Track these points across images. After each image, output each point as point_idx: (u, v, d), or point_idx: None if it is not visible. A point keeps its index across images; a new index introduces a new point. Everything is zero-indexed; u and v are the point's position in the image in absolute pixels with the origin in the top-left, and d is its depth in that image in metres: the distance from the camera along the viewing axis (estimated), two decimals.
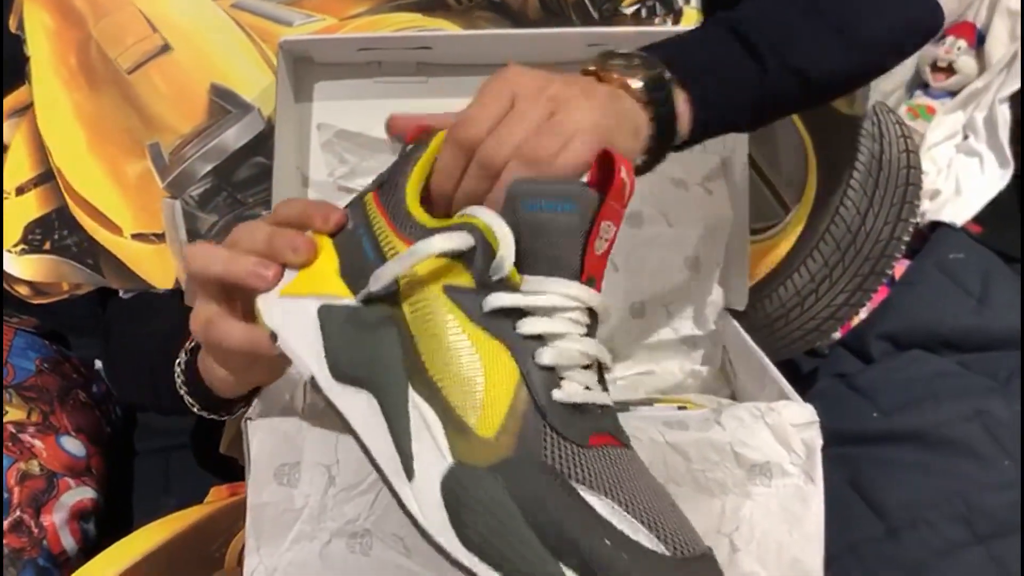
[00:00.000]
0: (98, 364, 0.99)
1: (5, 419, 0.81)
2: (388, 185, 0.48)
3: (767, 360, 0.65)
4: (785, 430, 0.53)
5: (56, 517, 0.79)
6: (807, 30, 0.60)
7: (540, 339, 0.41)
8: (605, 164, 0.44)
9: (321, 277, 0.47)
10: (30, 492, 0.78)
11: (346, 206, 0.49)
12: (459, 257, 0.42)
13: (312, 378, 0.45)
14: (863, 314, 1.02)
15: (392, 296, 0.43)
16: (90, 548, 0.80)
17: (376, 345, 0.43)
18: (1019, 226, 1.08)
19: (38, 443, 0.81)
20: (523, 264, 0.42)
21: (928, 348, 0.98)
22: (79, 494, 0.82)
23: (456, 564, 0.38)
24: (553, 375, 0.41)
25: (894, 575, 0.81)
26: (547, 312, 0.41)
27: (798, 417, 0.54)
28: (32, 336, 0.92)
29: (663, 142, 0.53)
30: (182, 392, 0.60)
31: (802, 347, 0.86)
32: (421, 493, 0.40)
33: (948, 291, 1.02)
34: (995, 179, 1.11)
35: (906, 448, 0.87)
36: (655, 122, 0.52)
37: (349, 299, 0.45)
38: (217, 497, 0.76)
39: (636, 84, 0.51)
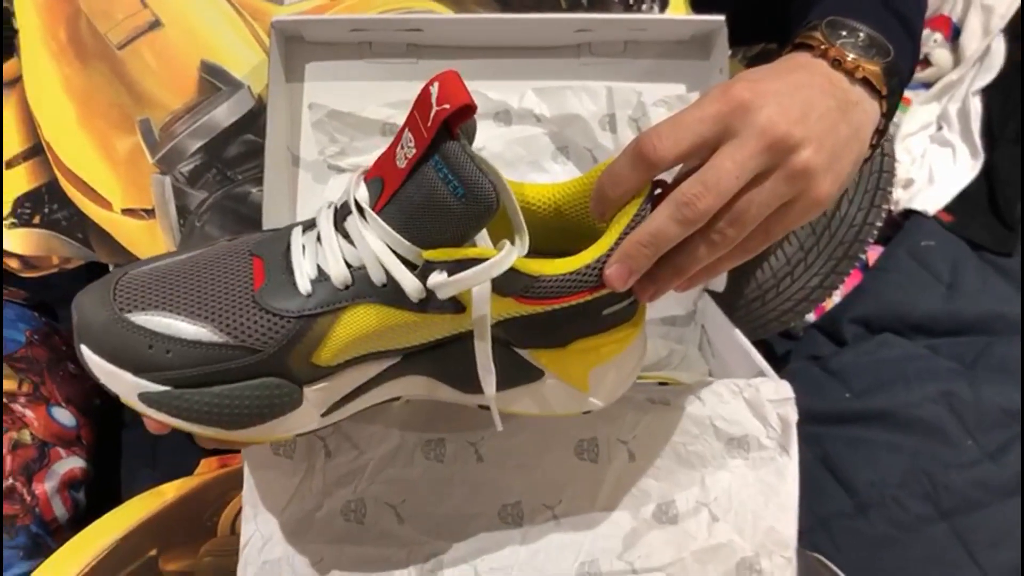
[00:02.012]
0: None
1: None
2: None
3: (745, 339, 0.67)
4: (762, 405, 0.56)
5: (47, 485, 0.80)
6: (916, 4, 0.55)
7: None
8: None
9: None
10: (22, 460, 0.79)
11: None
12: None
13: None
14: (837, 298, 1.05)
15: None
16: (80, 516, 0.81)
17: None
18: (988, 215, 1.11)
19: (29, 413, 0.82)
20: None
21: (898, 332, 1.00)
22: (69, 463, 0.83)
23: None
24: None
25: (862, 549, 0.83)
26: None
27: (774, 393, 0.56)
28: (21, 308, 0.92)
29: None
30: None
31: (777, 327, 0.89)
32: None
33: (919, 277, 1.05)
34: (966, 169, 1.14)
35: (875, 428, 0.90)
36: (886, 117, 0.47)
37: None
38: (207, 468, 0.77)
39: (876, 74, 0.45)
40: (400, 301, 0.42)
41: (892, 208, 1.13)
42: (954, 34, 1.21)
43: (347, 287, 0.42)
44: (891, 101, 0.47)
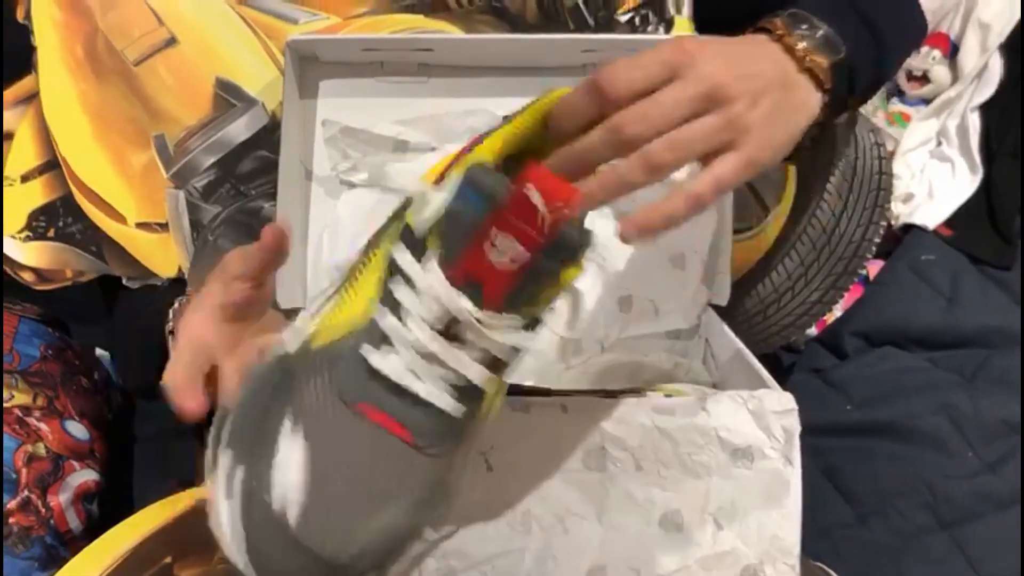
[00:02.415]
0: (99, 351, 1.01)
1: (12, 403, 0.83)
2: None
3: (748, 352, 0.68)
4: (766, 416, 0.57)
5: (62, 497, 0.81)
6: (899, 21, 0.58)
7: (396, 304, 0.42)
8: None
9: None
10: (37, 473, 0.80)
11: None
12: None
13: None
14: (838, 312, 1.07)
15: None
16: (94, 528, 0.82)
17: None
18: (987, 229, 1.12)
19: (44, 426, 0.83)
20: (440, 238, 0.41)
21: (899, 345, 1.02)
22: (83, 476, 0.84)
23: None
24: (385, 340, 0.42)
25: (863, 558, 0.85)
26: (411, 285, 0.42)
27: (778, 404, 0.57)
28: (36, 323, 0.94)
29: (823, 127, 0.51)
30: None
31: (779, 341, 0.90)
32: None
33: (919, 291, 1.06)
34: (965, 184, 1.15)
35: (876, 439, 0.91)
36: (827, 108, 0.49)
37: None
38: None
39: (822, 68, 0.48)
40: None
41: (892, 223, 1.15)
42: (952, 51, 1.23)
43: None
44: (835, 99, 0.49)
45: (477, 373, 0.42)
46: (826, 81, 0.49)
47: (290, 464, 0.41)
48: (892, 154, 1.20)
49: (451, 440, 0.44)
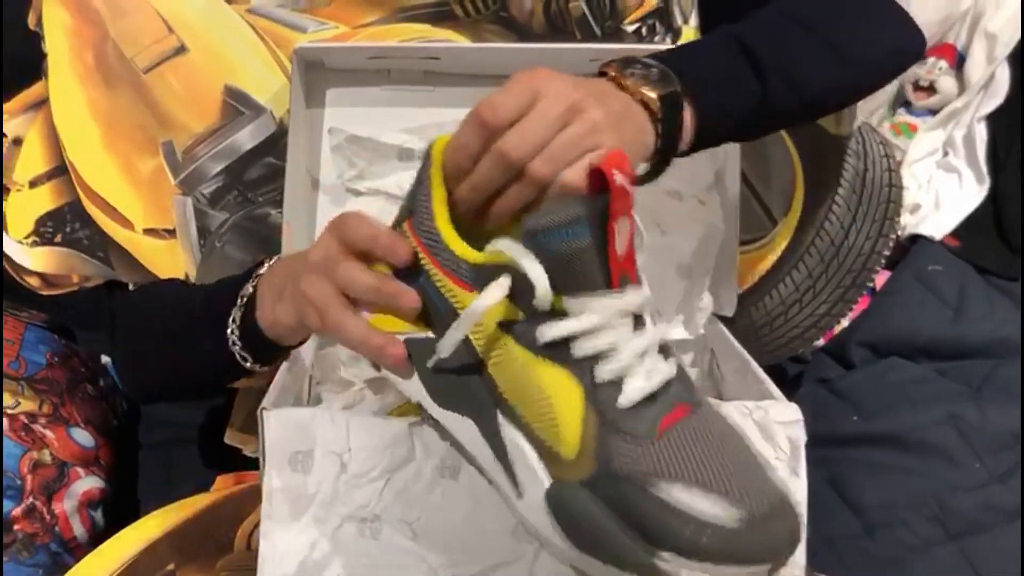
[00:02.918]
0: (104, 359, 1.01)
1: (18, 410, 0.83)
2: (418, 215, 0.50)
3: (754, 362, 0.68)
4: (771, 427, 0.57)
5: (67, 505, 0.81)
6: (808, 49, 0.63)
7: (595, 357, 0.44)
8: (597, 173, 0.45)
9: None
10: (42, 480, 0.80)
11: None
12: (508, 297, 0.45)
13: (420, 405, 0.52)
14: (845, 322, 1.06)
15: (464, 345, 0.47)
16: (98, 535, 0.82)
17: (462, 385, 0.48)
18: (994, 240, 1.12)
19: (49, 433, 0.84)
20: (561, 288, 0.43)
21: (906, 356, 1.01)
22: (88, 483, 0.84)
23: (575, 561, 0.45)
24: (615, 385, 0.44)
25: (870, 570, 0.84)
26: (593, 331, 0.44)
27: (783, 415, 0.57)
28: (42, 330, 0.95)
29: (666, 154, 0.56)
30: (235, 348, 0.64)
31: (785, 354, 0.90)
32: (531, 508, 0.46)
33: (926, 301, 1.06)
34: (972, 195, 1.15)
35: (883, 450, 0.91)
36: (662, 138, 0.55)
37: (426, 332, 0.50)
38: (224, 485, 0.78)
39: (652, 97, 0.54)
40: None
41: (899, 233, 1.15)
42: (959, 62, 1.23)
43: None
44: (666, 127, 0.55)
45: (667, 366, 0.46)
46: (656, 111, 0.54)
47: None
48: (899, 165, 1.20)
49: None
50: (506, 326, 0.46)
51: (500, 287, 0.44)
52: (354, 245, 0.52)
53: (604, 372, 0.44)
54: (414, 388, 0.52)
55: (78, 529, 0.82)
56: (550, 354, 0.44)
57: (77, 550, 0.80)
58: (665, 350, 0.46)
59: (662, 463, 0.42)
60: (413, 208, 0.51)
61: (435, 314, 0.49)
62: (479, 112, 0.49)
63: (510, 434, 0.46)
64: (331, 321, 0.51)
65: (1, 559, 0.74)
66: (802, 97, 0.62)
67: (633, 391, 0.44)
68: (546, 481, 0.45)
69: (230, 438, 0.85)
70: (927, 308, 1.05)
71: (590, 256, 0.43)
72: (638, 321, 0.45)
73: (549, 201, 0.49)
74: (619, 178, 0.42)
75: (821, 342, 1.06)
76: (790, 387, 1.03)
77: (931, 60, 1.24)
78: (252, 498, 0.72)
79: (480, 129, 0.49)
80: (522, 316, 0.45)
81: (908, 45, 0.69)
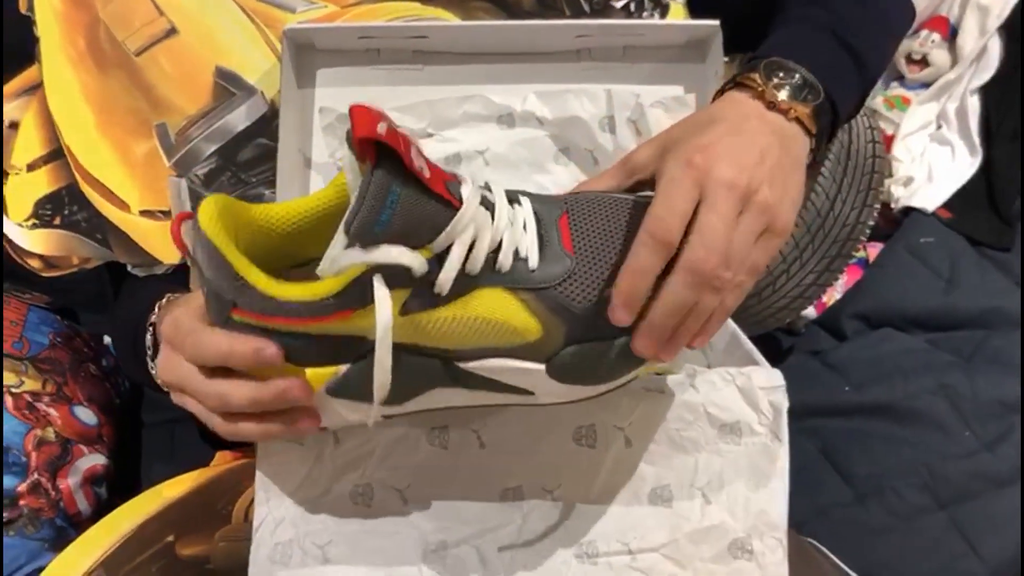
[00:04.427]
0: (107, 339, 1.03)
1: (22, 389, 0.85)
2: (241, 297, 0.45)
3: (739, 330, 0.69)
4: (754, 393, 0.58)
5: (71, 481, 0.83)
6: (879, 31, 0.61)
7: (488, 262, 0.46)
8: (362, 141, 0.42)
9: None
10: (47, 457, 0.82)
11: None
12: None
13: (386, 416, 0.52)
14: (837, 295, 1.07)
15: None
16: (102, 510, 0.84)
17: (408, 372, 0.48)
18: (987, 211, 1.13)
19: (53, 412, 0.85)
20: (422, 246, 0.44)
21: (898, 327, 1.02)
22: (92, 460, 0.86)
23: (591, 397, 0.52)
24: (520, 261, 0.47)
25: (861, 538, 0.85)
26: (471, 246, 0.45)
27: (766, 381, 0.58)
28: (45, 312, 0.96)
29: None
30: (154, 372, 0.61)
31: (773, 324, 0.91)
32: (546, 392, 0.51)
33: (918, 273, 1.07)
34: (965, 167, 1.15)
35: (874, 420, 0.92)
36: (812, 152, 0.53)
37: (340, 369, 0.47)
38: (222, 461, 0.79)
39: (806, 113, 0.52)
40: None
41: (892, 205, 1.15)
42: (951, 34, 1.23)
43: None
44: (819, 137, 0.53)
45: None
46: (811, 127, 0.52)
47: None
48: (892, 138, 1.20)
49: None
50: (405, 312, 0.45)
51: (382, 290, 0.43)
52: (210, 364, 0.48)
53: (504, 263, 0.47)
54: (364, 413, 0.49)
55: (82, 504, 0.83)
56: (457, 292, 0.46)
57: (81, 525, 0.82)
58: (511, 199, 0.49)
59: (592, 267, 0.48)
60: (230, 300, 0.45)
61: (331, 353, 0.47)
62: (653, 232, 0.46)
63: (482, 367, 0.48)
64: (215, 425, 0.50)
65: (1, 534, 0.76)
66: (872, 81, 0.61)
67: (531, 254, 0.47)
68: (537, 367, 0.48)
69: None
70: (919, 280, 1.06)
71: (419, 203, 0.43)
72: (484, 204, 0.47)
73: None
74: (381, 127, 0.41)
75: (814, 314, 1.07)
76: (782, 359, 1.04)
77: (924, 33, 1.24)
78: (249, 473, 0.72)
79: (659, 247, 0.46)
80: (409, 293, 0.45)
81: (912, 13, 0.68)
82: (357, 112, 0.41)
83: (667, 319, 0.47)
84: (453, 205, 0.44)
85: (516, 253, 0.47)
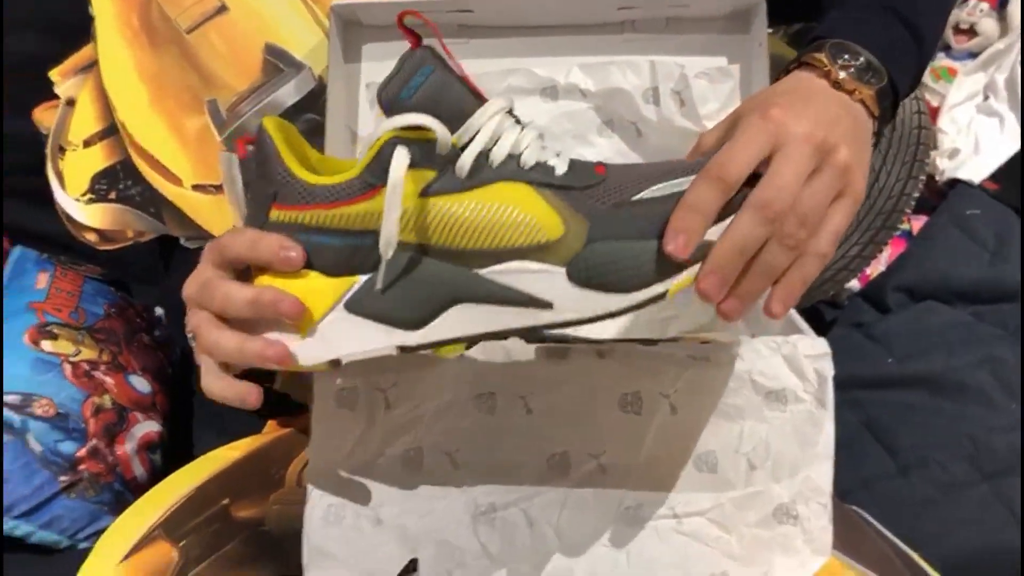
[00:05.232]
0: (158, 311, 1.06)
1: (79, 358, 0.88)
2: (281, 190, 0.48)
3: None
4: (799, 360, 0.58)
5: (127, 447, 0.86)
6: (936, 5, 0.61)
7: (512, 156, 0.47)
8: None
9: (318, 295, 0.48)
10: (104, 423, 0.85)
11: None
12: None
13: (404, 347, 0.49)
14: (881, 267, 1.06)
15: (403, 242, 0.47)
16: (157, 476, 0.87)
17: (425, 281, 0.48)
18: None
19: (109, 380, 0.88)
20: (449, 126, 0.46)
21: (943, 300, 1.01)
22: (146, 427, 0.89)
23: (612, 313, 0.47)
24: (542, 166, 0.47)
25: (904, 509, 0.85)
26: (495, 137, 0.47)
27: (811, 349, 0.59)
28: (99, 283, 0.99)
29: None
30: None
31: (817, 296, 0.91)
32: (563, 303, 0.47)
33: (963, 245, 1.05)
34: (1013, 138, 1.14)
35: (918, 392, 0.91)
36: (875, 135, 0.54)
37: (359, 279, 0.48)
38: (272, 429, 0.82)
39: (870, 95, 0.52)
40: None
41: (937, 178, 1.14)
42: (1001, 3, 1.21)
43: None
44: (880, 120, 0.54)
45: None
46: (875, 109, 0.52)
47: None
48: (938, 110, 1.19)
49: None
50: (426, 193, 0.46)
51: (401, 154, 0.45)
52: (234, 263, 0.50)
53: (528, 160, 0.47)
54: (388, 340, 0.49)
55: (138, 470, 0.86)
56: (478, 181, 0.47)
57: (137, 490, 0.85)
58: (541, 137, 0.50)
59: (625, 181, 0.47)
60: (272, 193, 0.49)
61: (352, 256, 0.48)
62: (713, 168, 0.46)
63: (499, 273, 0.47)
64: (204, 344, 0.49)
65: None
66: (928, 59, 0.60)
67: (558, 162, 0.48)
68: (557, 270, 0.47)
69: (281, 385, 0.88)
70: (965, 252, 1.04)
71: (449, 85, 0.46)
72: (515, 120, 0.48)
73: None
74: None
75: (857, 286, 1.06)
76: (826, 331, 1.03)
77: (972, 2, 1.21)
78: (300, 440, 0.75)
79: (716, 183, 0.45)
80: (432, 174, 0.46)
81: None
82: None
83: (731, 256, 0.46)
84: (481, 98, 0.47)
85: (542, 161, 0.47)
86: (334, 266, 0.48)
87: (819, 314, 1.06)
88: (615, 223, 0.46)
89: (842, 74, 0.52)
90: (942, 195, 1.13)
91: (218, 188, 0.86)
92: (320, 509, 0.59)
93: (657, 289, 0.46)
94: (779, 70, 0.57)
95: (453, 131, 0.46)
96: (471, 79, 0.48)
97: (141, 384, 0.92)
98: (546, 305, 0.47)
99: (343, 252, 0.48)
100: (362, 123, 0.81)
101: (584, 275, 0.46)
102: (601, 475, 0.59)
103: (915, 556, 0.65)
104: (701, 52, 0.76)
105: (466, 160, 0.46)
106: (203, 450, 0.84)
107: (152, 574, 0.63)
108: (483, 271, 0.47)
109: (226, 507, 0.69)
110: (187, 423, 0.97)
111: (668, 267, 0.46)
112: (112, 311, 0.96)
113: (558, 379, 0.59)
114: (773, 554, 0.58)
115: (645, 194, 0.47)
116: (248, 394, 0.50)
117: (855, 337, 0.99)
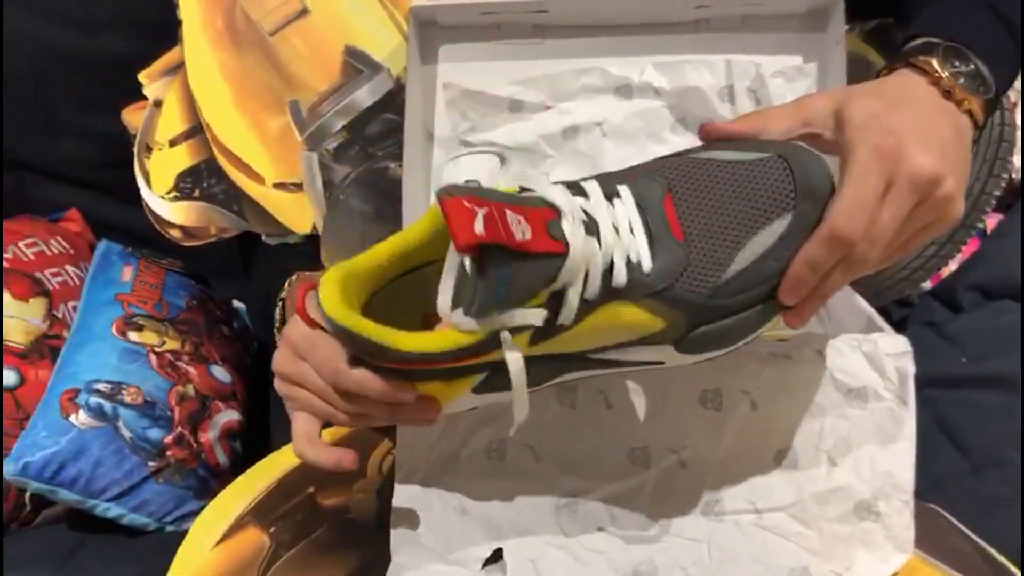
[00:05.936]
0: (236, 304, 1.09)
1: (164, 348, 0.91)
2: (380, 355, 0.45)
3: (860, 298, 0.69)
4: (880, 358, 0.59)
5: (210, 435, 0.89)
6: None
7: (604, 279, 0.46)
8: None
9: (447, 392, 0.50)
10: (188, 411, 0.88)
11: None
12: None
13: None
14: (953, 265, 1.05)
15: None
16: (238, 463, 0.90)
17: (540, 373, 0.51)
18: None
19: (192, 370, 0.91)
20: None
21: (1017, 299, 1.00)
22: (227, 416, 0.92)
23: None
24: (632, 266, 0.47)
25: (978, 508, 0.84)
26: (583, 274, 0.46)
27: (892, 347, 0.59)
28: (181, 276, 1.02)
29: None
30: None
31: (892, 296, 0.90)
32: (673, 360, 0.52)
33: None
34: None
35: (992, 392, 0.90)
36: (975, 143, 0.54)
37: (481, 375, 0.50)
38: None
39: (977, 109, 0.52)
40: None
41: (1014, 175, 1.12)
42: None
43: None
44: (982, 129, 0.53)
45: None
46: (980, 119, 0.52)
47: None
48: (1014, 106, 1.16)
49: None
50: (534, 340, 0.47)
51: (514, 353, 0.45)
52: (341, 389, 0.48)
53: (619, 279, 0.47)
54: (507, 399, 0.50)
55: (221, 457, 0.89)
56: (579, 318, 0.46)
57: (221, 476, 0.88)
58: (609, 195, 0.49)
59: (705, 252, 0.48)
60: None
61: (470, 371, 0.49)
62: (838, 229, 0.46)
63: (611, 355, 0.51)
64: (321, 411, 0.49)
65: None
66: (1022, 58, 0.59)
67: (643, 256, 0.47)
68: (666, 347, 0.51)
69: None
70: None
71: (528, 269, 0.43)
72: (588, 230, 0.46)
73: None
74: (478, 226, 0.40)
75: (929, 285, 1.05)
76: (897, 330, 1.02)
77: None
78: (380, 430, 0.77)
79: (838, 247, 0.47)
80: (534, 329, 0.46)
81: None
82: (452, 213, 0.40)
83: (808, 278, 0.48)
84: (559, 252, 0.44)
85: (628, 261, 0.47)
86: (446, 379, 0.49)
87: (887, 313, 1.05)
88: (715, 311, 0.49)
89: (953, 82, 0.51)
90: (1017, 192, 1.11)
91: (298, 186, 0.88)
92: (406, 497, 0.61)
93: (759, 333, 0.52)
94: (858, 69, 0.57)
95: (541, 292, 0.44)
96: (534, 213, 0.44)
97: (222, 374, 0.95)
98: (657, 363, 0.53)
99: (458, 372, 0.48)
100: (439, 123, 0.82)
101: (692, 349, 0.51)
102: (681, 469, 0.60)
103: (995, 553, 0.65)
104: (777, 50, 0.76)
105: (565, 318, 0.46)
106: (281, 439, 0.86)
107: (245, 558, 0.66)
108: (595, 355, 0.51)
109: (312, 495, 0.72)
110: (264, 413, 1.00)
111: (770, 314, 0.51)
112: (193, 303, 1.00)
113: (638, 375, 0.60)
114: (854, 550, 0.58)
115: (735, 266, 0.49)
116: (344, 457, 0.50)
117: (927, 336, 0.98)
